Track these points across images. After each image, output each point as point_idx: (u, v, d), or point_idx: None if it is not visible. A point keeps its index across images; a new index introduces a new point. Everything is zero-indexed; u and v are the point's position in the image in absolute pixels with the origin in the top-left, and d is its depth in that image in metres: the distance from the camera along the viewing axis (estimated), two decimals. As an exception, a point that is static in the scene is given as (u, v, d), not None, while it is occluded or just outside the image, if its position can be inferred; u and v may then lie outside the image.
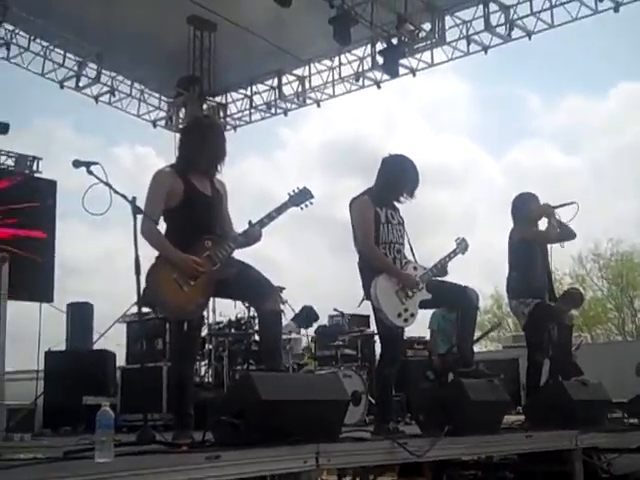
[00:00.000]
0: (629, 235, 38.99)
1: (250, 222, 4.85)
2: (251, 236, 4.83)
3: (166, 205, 4.69)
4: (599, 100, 52.35)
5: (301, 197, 5.00)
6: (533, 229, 6.99)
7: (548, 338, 7.15)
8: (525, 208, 6.96)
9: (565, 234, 6.96)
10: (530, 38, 13.01)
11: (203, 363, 8.59)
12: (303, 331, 9.78)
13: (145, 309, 4.97)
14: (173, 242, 4.62)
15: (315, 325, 10.00)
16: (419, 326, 5.92)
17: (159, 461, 3.37)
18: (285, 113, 16.53)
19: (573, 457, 5.61)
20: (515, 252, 6.94)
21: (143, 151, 46.35)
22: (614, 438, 6.33)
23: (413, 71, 14.36)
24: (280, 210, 4.93)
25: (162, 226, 4.75)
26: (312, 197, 5.04)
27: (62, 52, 14.09)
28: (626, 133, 45.73)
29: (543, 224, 6.97)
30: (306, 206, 5.03)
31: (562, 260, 33.42)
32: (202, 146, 4.80)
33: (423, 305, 5.50)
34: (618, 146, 43.81)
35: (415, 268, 5.53)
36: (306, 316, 9.73)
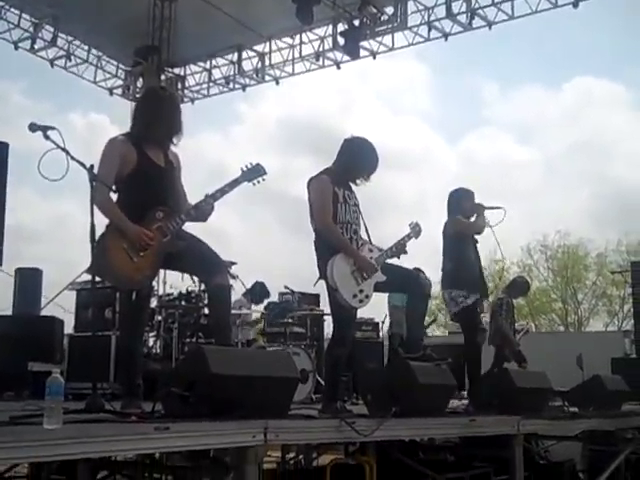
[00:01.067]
0: (577, 228, 39.80)
1: (207, 195, 4.83)
2: (203, 210, 4.80)
3: (119, 173, 4.63)
4: (554, 93, 53.04)
5: (254, 173, 4.99)
6: (465, 221, 7.21)
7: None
8: (460, 203, 7.22)
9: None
10: (490, 28, 13.15)
11: (152, 334, 8.55)
12: (253, 307, 9.80)
13: (97, 278, 4.90)
14: (124, 211, 4.56)
15: (266, 302, 10.03)
16: (368, 307, 6.00)
17: (108, 430, 3.36)
18: (243, 89, 16.45)
19: (514, 442, 5.72)
20: (450, 244, 7.13)
21: (97, 118, 45.81)
22: (554, 425, 6.47)
23: (373, 54, 14.39)
24: (232, 185, 4.91)
25: (114, 196, 4.69)
26: (265, 173, 5.03)
27: (18, 12, 13.82)
28: (579, 128, 46.44)
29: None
30: (258, 182, 5.03)
31: (510, 250, 33.91)
32: (157, 118, 4.75)
33: (377, 288, 5.52)
34: (571, 140, 44.62)
35: (371, 250, 5.55)
36: (257, 292, 9.75)
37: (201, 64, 16.34)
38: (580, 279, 35.86)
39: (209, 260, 4.75)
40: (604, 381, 7.16)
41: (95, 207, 4.29)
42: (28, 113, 38.87)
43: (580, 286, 35.94)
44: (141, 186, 4.65)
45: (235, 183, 4.91)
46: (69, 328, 8.91)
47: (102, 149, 4.68)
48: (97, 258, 4.36)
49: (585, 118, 46.54)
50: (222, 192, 4.85)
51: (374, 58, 14.47)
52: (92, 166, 4.31)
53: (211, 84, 16.54)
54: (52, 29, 14.24)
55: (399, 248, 5.76)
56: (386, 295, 9.80)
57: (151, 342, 8.60)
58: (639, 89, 51.11)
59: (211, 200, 4.79)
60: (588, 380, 7.37)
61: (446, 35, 13.58)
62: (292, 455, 8.94)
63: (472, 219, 7.21)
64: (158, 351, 8.14)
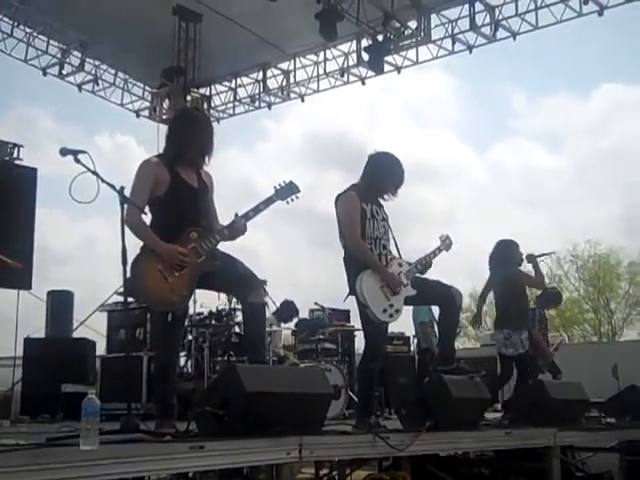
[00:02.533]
0: (607, 237, 39.43)
1: (236, 214, 4.85)
2: (236, 229, 4.83)
3: (152, 194, 4.67)
4: (582, 101, 52.75)
5: (287, 191, 5.00)
6: (531, 277, 7.99)
7: None
8: (514, 254, 7.93)
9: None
10: (515, 39, 13.08)
11: (183, 354, 8.58)
12: (283, 325, 9.80)
13: (129, 299, 4.94)
14: (158, 233, 4.60)
15: (295, 319, 10.03)
16: (397, 322, 6.01)
17: (143, 450, 3.38)
18: (269, 107, 16.51)
19: (551, 454, 5.67)
20: (515, 292, 7.82)
21: (124, 140, 46.24)
22: (591, 437, 6.40)
23: (398, 68, 14.39)
24: (266, 203, 4.94)
25: (147, 217, 4.73)
26: (298, 191, 5.05)
27: (45, 39, 13.98)
28: (608, 135, 46.09)
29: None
30: (292, 200, 5.04)
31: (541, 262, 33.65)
32: (190, 138, 4.79)
33: (407, 301, 5.52)
34: (600, 148, 44.20)
35: (400, 264, 5.55)
36: (286, 310, 9.75)
37: (226, 83, 16.44)
38: (612, 288, 35.46)
39: (244, 278, 4.77)
40: (641, 390, 7.07)
41: (127, 229, 4.33)
42: (56, 138, 39.37)
43: (613, 295, 35.54)
44: (174, 207, 4.69)
45: (269, 201, 4.94)
46: (101, 349, 8.99)
47: (135, 172, 4.73)
48: (132, 279, 4.40)
49: (615, 125, 46.18)
50: (256, 211, 4.87)
51: (399, 72, 14.47)
52: (122, 188, 4.35)
53: (237, 103, 16.61)
54: (80, 54, 14.40)
55: (429, 261, 5.75)
56: (411, 311, 9.76)
57: (183, 361, 8.64)
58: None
59: (244, 219, 4.81)
60: (624, 390, 7.29)
61: (470, 47, 13.55)
62: (325, 471, 8.91)
63: (529, 269, 7.97)
64: (190, 370, 8.17)
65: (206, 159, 4.91)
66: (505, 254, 7.93)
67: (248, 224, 4.86)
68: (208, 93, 16.60)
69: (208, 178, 4.99)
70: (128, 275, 4.30)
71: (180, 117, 5.25)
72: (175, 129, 4.96)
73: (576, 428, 6.00)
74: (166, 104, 16.02)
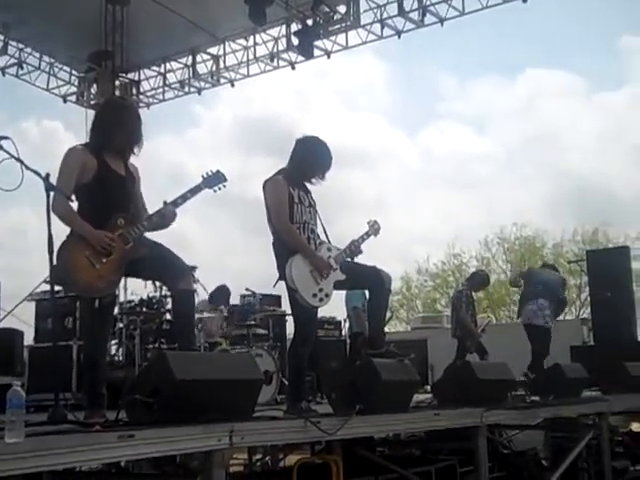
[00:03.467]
0: (533, 220, 40.22)
1: (165, 202, 4.83)
2: (165, 216, 4.81)
3: (79, 181, 4.61)
4: (508, 85, 53.52)
5: (214, 180, 5.02)
6: None
7: None
8: None
9: None
10: (442, 24, 13.26)
11: (114, 342, 8.49)
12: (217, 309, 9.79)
13: (57, 287, 4.87)
14: (85, 219, 4.54)
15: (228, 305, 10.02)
16: (329, 306, 6.05)
17: (72, 441, 3.34)
18: (199, 92, 16.39)
19: (478, 434, 5.79)
20: None
21: (51, 125, 45.30)
22: (516, 415, 6.55)
23: (328, 53, 14.42)
24: (194, 192, 4.94)
25: (74, 204, 4.67)
26: (225, 180, 5.07)
27: (-34, 21, 13.60)
28: (534, 119, 46.94)
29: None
30: (219, 189, 5.07)
31: (469, 243, 34.25)
32: (116, 128, 4.75)
33: (337, 286, 5.56)
34: (526, 131, 45.00)
35: (329, 249, 5.58)
36: (220, 295, 9.73)
37: (155, 68, 16.25)
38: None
39: (173, 265, 4.75)
40: (564, 369, 7.28)
41: (54, 216, 4.26)
42: (-22, 123, 38.28)
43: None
44: (102, 193, 4.64)
45: (196, 190, 4.94)
46: (29, 339, 8.83)
47: (62, 159, 4.66)
48: (59, 267, 4.33)
49: (540, 109, 47.06)
50: (183, 198, 4.87)
51: (329, 57, 14.51)
52: (48, 175, 4.27)
53: (166, 88, 16.44)
54: (2, 37, 14.04)
55: (358, 246, 5.80)
56: (344, 295, 9.85)
57: (113, 350, 8.55)
58: (591, 78, 51.86)
59: (172, 207, 4.80)
60: (549, 369, 7.50)
61: (399, 33, 13.68)
62: (259, 457, 8.95)
63: None
64: (121, 358, 8.08)
65: (135, 149, 4.88)
66: None
67: (178, 211, 4.85)
68: (137, 78, 16.38)
69: (135, 170, 4.97)
70: (55, 263, 4.25)
71: (106, 106, 5.18)
72: (101, 119, 4.89)
73: (502, 407, 6.13)
74: (94, 89, 15.78)
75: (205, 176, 4.97)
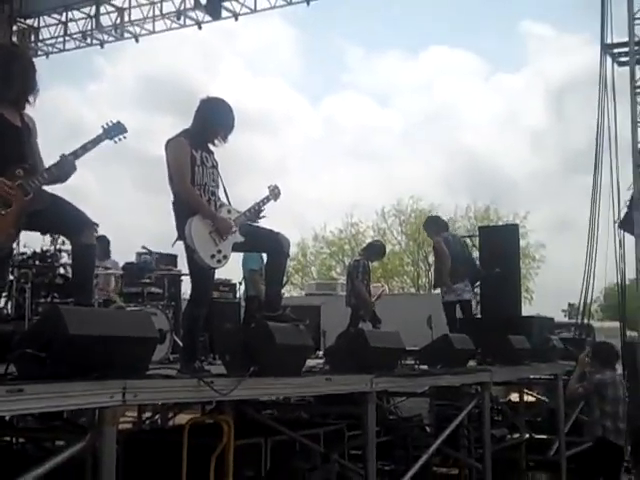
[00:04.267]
0: (429, 193, 41.10)
1: (63, 154, 4.72)
2: (64, 168, 4.70)
3: None
4: (412, 61, 54.27)
5: (115, 130, 4.95)
6: None
7: None
8: None
9: None
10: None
11: (3, 294, 8.24)
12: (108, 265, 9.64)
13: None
14: None
15: (123, 261, 9.89)
16: (225, 268, 6.07)
17: (-43, 393, 3.26)
18: (101, 45, 16.01)
19: (367, 399, 5.92)
20: None
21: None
22: (404, 383, 6.74)
23: (235, 15, 14.29)
24: (94, 142, 4.85)
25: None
26: (125, 131, 5.01)
27: None
28: (434, 96, 47.78)
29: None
30: (119, 139, 5.01)
31: (366, 213, 34.71)
32: (10, 76, 4.61)
33: (235, 248, 5.58)
34: (427, 107, 45.91)
35: (229, 211, 5.59)
36: (100, 246, 9.54)
37: (56, 16, 15.74)
38: (431, 243, 37.02)
39: (75, 218, 4.67)
40: (452, 340, 7.50)
41: None
42: None
43: (431, 250, 37.14)
44: None
45: (97, 140, 4.85)
46: None
47: None
48: None
49: (441, 86, 47.96)
50: (84, 149, 4.77)
51: (236, 19, 14.38)
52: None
53: (67, 38, 15.97)
54: None
55: (258, 210, 5.82)
56: (241, 258, 9.86)
57: (2, 302, 8.30)
58: (491, 60, 53.07)
59: (72, 158, 4.69)
60: (438, 339, 7.71)
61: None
62: (148, 415, 8.92)
63: None
64: (10, 312, 7.86)
65: (30, 99, 4.73)
66: None
67: (77, 163, 4.75)
68: (36, 25, 15.83)
69: (31, 121, 4.83)
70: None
71: None
72: None
73: (391, 374, 6.28)
74: (-11, 33, 15.13)
75: (105, 127, 4.89)
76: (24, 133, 4.70)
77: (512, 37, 50.12)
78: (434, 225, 10.73)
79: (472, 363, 8.07)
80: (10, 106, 4.65)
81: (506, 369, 8.18)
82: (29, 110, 4.82)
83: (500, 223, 31.61)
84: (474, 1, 46.12)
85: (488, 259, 11.84)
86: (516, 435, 9.33)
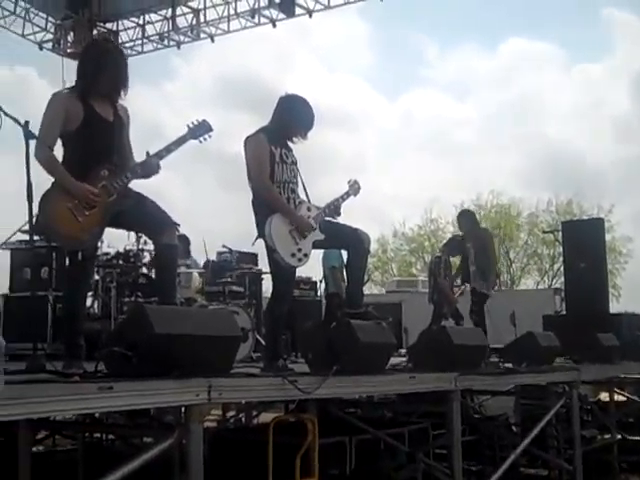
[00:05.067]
0: (509, 188, 40.48)
1: (148, 153, 4.76)
2: (149, 168, 4.75)
3: (64, 128, 4.53)
4: (490, 53, 53.52)
5: (200, 130, 4.94)
6: None
7: None
8: None
9: None
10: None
11: (90, 294, 8.42)
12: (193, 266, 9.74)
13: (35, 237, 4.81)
14: (69, 168, 4.46)
15: (203, 260, 9.97)
16: (305, 266, 6.06)
17: (52, 390, 3.32)
18: (178, 46, 16.21)
19: (451, 398, 5.83)
20: None
21: (24, 71, 44.57)
22: (489, 381, 6.62)
23: (310, 12, 14.28)
24: (179, 142, 4.86)
25: (60, 151, 4.59)
26: (211, 130, 4.99)
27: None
28: (512, 88, 47.01)
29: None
30: (205, 139, 4.99)
31: (445, 209, 34.37)
32: (103, 70, 4.64)
33: (316, 245, 5.55)
34: (506, 100, 45.18)
35: (309, 208, 5.56)
36: (183, 246, 9.63)
37: (134, 20, 16.01)
38: (512, 238, 36.51)
39: (157, 218, 4.71)
40: (537, 338, 7.33)
41: (34, 164, 4.19)
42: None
43: (512, 245, 36.64)
44: (87, 142, 4.55)
45: (182, 140, 4.86)
46: (4, 288, 8.72)
47: (46, 104, 4.56)
48: (40, 218, 4.28)
49: (520, 79, 47.14)
50: (168, 150, 4.79)
51: (310, 16, 14.35)
52: (27, 122, 4.19)
53: (145, 40, 16.23)
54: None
55: (337, 206, 5.78)
56: (321, 255, 9.85)
57: (89, 302, 8.47)
58: (572, 49, 51.91)
59: (157, 158, 4.73)
60: (522, 337, 7.54)
61: (384, -6, 13.54)
62: (232, 413, 8.99)
63: None
64: (96, 311, 8.03)
65: (121, 93, 4.77)
66: None
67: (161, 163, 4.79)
68: (115, 28, 16.14)
69: (124, 112, 4.86)
70: (36, 212, 4.20)
71: (91, 48, 5.04)
72: (86, 61, 4.78)
73: (476, 372, 6.18)
74: (71, 37, 15.48)
75: (191, 126, 4.89)
76: (115, 128, 4.75)
77: (594, 25, 48.92)
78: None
79: (558, 361, 7.87)
80: (102, 99, 4.70)
81: (595, 367, 7.96)
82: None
83: (584, 217, 30.86)
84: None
85: (572, 254, 11.56)
86: (607, 436, 9.07)
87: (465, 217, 10.54)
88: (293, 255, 5.35)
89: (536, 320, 10.66)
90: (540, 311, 11.78)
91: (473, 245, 9.66)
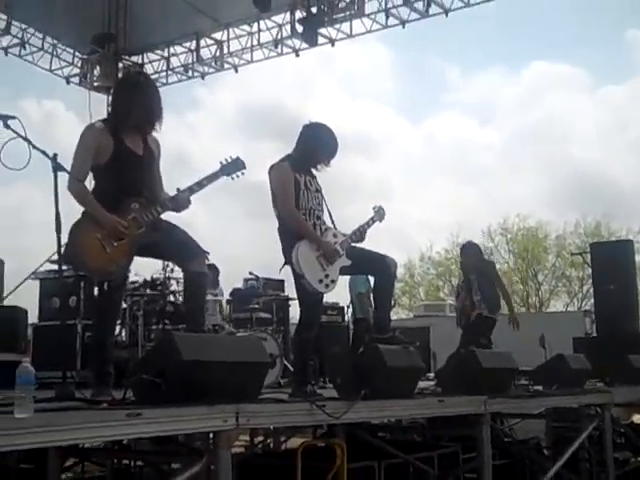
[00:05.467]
0: (536, 211, 40.24)
1: (178, 189, 4.80)
2: (179, 202, 4.79)
3: (95, 161, 4.60)
4: (513, 77, 53.57)
5: (233, 167, 4.97)
6: None
7: None
8: None
9: None
10: (447, 15, 13.17)
11: (117, 322, 8.48)
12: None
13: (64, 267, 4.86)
14: (100, 200, 4.53)
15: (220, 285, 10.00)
16: (332, 292, 6.09)
17: (80, 417, 3.34)
18: (202, 77, 16.32)
19: (481, 421, 5.78)
20: None
21: (51, 105, 45.20)
22: (519, 404, 6.56)
23: (332, 41, 14.35)
24: (211, 179, 4.90)
25: (90, 184, 4.66)
26: (244, 167, 5.02)
27: (-32, 1, 13.49)
28: (538, 111, 46.95)
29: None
30: (237, 176, 5.01)
31: (471, 233, 34.24)
32: (135, 103, 4.70)
33: (342, 271, 5.56)
34: (530, 123, 45.08)
35: (335, 235, 5.59)
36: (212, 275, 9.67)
37: (159, 52, 16.17)
38: (540, 261, 36.28)
39: (187, 247, 4.75)
40: (568, 360, 7.27)
41: (70, 195, 4.26)
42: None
43: (540, 268, 36.40)
44: (117, 176, 4.62)
45: (214, 177, 4.90)
46: (33, 318, 8.81)
47: (79, 137, 4.63)
48: (70, 247, 4.34)
49: (544, 102, 47.08)
50: (200, 185, 4.84)
51: (332, 45, 14.43)
52: (55, 155, 4.26)
53: (169, 72, 16.38)
54: (5, 17, 13.92)
55: (363, 232, 5.80)
56: (347, 282, 9.85)
57: (117, 330, 8.53)
58: (595, 72, 51.80)
59: (188, 193, 4.76)
60: (552, 359, 7.48)
61: (404, 22, 13.60)
62: (260, 439, 8.96)
63: None
64: (124, 339, 8.08)
65: (155, 125, 4.82)
66: None
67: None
68: (140, 61, 16.29)
69: (155, 144, 4.92)
70: (65, 242, 4.25)
71: (123, 82, 5.13)
72: (119, 93, 4.87)
73: (505, 396, 6.13)
74: (97, 71, 15.67)
75: (224, 162, 4.93)
76: (145, 161, 4.81)
77: (617, 47, 48.82)
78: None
79: (589, 383, 7.78)
80: (134, 133, 4.76)
81: (627, 389, 7.86)
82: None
83: (612, 239, 30.60)
84: (574, 13, 45.14)
85: (601, 276, 11.48)
86: (640, 459, 8.93)
87: (469, 249, 10.52)
88: (320, 281, 5.36)
89: (566, 342, 10.58)
90: (570, 333, 11.69)
91: (477, 278, 9.73)
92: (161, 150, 4.97)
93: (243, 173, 5.02)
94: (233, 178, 4.99)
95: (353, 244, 5.69)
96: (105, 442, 4.87)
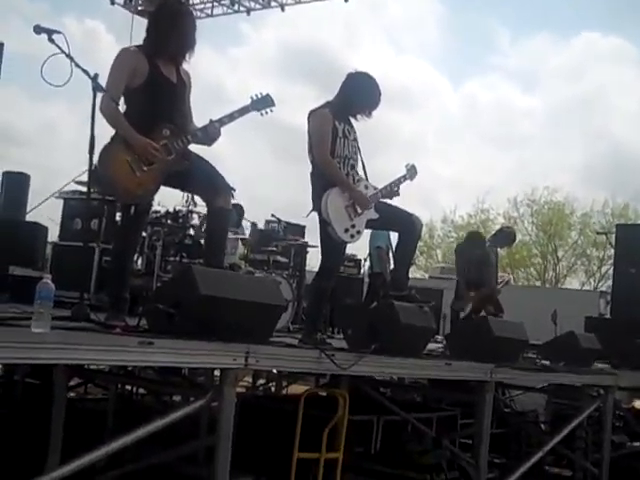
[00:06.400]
0: (566, 184, 39.77)
1: (211, 120, 4.79)
2: (210, 133, 4.79)
3: (129, 84, 4.57)
4: (562, 46, 52.60)
5: (263, 103, 4.96)
6: None
7: None
8: None
9: None
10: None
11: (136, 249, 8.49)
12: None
13: (85, 188, 4.87)
14: (131, 124, 4.51)
15: (243, 224, 9.99)
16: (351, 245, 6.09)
17: (94, 339, 3.39)
18: (248, 12, 16.17)
19: (485, 389, 5.82)
20: None
21: (92, 25, 44.99)
22: (524, 376, 6.57)
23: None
24: (241, 112, 4.89)
25: (122, 107, 4.64)
26: (273, 105, 5.01)
27: None
28: (582, 83, 46.18)
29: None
30: (266, 113, 5.01)
31: (498, 200, 33.97)
32: (172, 31, 4.68)
33: (368, 225, 5.56)
34: (573, 94, 44.35)
35: (366, 187, 5.57)
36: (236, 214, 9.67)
37: (206, -18, 16.02)
38: (562, 236, 35.98)
39: (214, 181, 4.75)
40: (579, 338, 7.26)
41: (101, 115, 4.25)
42: (21, 12, 38.05)
43: (562, 243, 36.10)
44: (150, 100, 4.60)
45: (244, 111, 4.89)
46: (53, 236, 8.86)
47: (113, 59, 4.61)
48: (99, 169, 4.35)
49: (590, 73, 46.28)
50: (230, 118, 4.83)
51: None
52: (96, 75, 4.24)
53: (215, 4, 16.22)
54: None
55: (393, 188, 5.77)
56: (368, 234, 9.83)
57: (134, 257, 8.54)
58: (643, 46, 50.72)
59: (218, 124, 4.76)
60: (563, 335, 7.47)
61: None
62: (262, 382, 9.06)
63: None
64: (140, 267, 8.12)
65: (187, 56, 4.81)
66: None
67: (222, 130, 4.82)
68: (186, -10, 16.13)
69: (187, 76, 4.91)
70: (95, 164, 4.25)
71: (163, 9, 5.06)
72: (156, 21, 4.82)
73: (512, 366, 6.14)
74: (143, -6, 15.57)
75: (254, 98, 4.91)
76: (178, 90, 4.80)
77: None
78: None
79: (597, 364, 7.79)
80: (167, 61, 4.74)
81: (633, 374, 7.85)
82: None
83: (639, 222, 30.31)
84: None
85: (623, 258, 11.39)
86: (637, 444, 8.96)
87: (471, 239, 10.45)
88: (346, 231, 5.37)
89: (578, 321, 10.55)
90: (583, 312, 11.62)
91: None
92: (192, 83, 4.95)
93: (272, 110, 5.00)
94: (262, 114, 4.98)
95: (382, 199, 5.67)
96: (111, 366, 4.93)
